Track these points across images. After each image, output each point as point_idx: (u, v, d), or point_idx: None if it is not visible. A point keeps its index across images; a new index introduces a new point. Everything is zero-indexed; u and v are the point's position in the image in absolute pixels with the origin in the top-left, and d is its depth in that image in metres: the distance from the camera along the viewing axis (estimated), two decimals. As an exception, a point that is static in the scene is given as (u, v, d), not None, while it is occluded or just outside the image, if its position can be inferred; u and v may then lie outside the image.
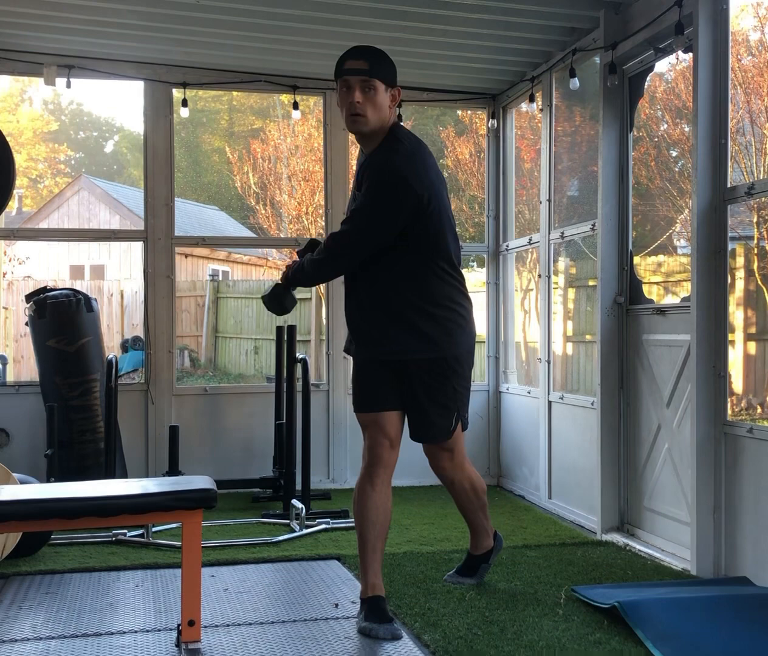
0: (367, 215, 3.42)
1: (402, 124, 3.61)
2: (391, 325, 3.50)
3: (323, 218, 6.66)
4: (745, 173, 9.93)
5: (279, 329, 6.09)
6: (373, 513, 3.49)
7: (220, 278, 19.47)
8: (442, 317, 3.51)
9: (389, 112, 3.48)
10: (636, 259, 5.50)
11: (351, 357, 3.73)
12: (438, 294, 3.51)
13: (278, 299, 3.68)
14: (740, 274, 9.67)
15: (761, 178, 9.66)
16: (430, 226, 3.45)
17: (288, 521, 5.26)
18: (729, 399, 4.34)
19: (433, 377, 3.54)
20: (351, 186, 3.89)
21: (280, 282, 3.68)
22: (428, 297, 3.49)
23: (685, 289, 8.81)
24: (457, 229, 3.66)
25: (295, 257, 3.76)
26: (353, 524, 3.66)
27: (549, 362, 5.88)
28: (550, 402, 5.85)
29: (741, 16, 10.57)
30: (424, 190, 3.40)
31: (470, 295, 3.67)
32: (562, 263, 9.38)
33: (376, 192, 3.40)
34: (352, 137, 4.16)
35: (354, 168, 4.03)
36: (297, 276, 3.62)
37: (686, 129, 10.70)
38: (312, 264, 3.56)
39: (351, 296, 3.61)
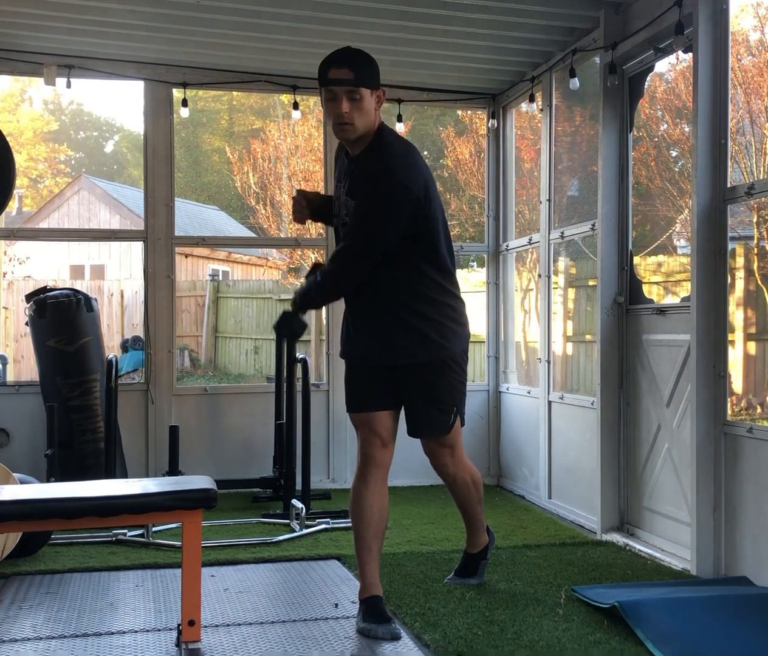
0: (372, 224, 3.38)
1: (386, 124, 3.57)
2: (384, 330, 3.50)
3: (323, 218, 6.66)
4: (745, 173, 9.93)
5: (279, 329, 6.09)
6: (368, 513, 3.48)
7: (220, 278, 19.47)
8: (436, 322, 3.50)
9: (375, 114, 3.45)
10: (636, 259, 5.50)
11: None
12: (431, 298, 3.49)
13: (287, 324, 3.69)
14: (740, 274, 9.67)
15: (761, 178, 9.66)
16: (424, 227, 3.44)
17: (288, 521, 5.26)
18: (729, 399, 4.34)
19: (429, 376, 3.54)
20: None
21: (290, 308, 3.65)
22: (422, 301, 3.48)
23: (685, 289, 8.80)
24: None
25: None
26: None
27: (549, 362, 5.88)
28: (550, 402, 5.85)
29: (741, 16, 10.58)
30: (420, 191, 3.39)
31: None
32: (562, 263, 9.38)
33: (377, 200, 3.36)
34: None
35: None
36: (305, 299, 3.57)
37: (686, 129, 10.70)
38: (319, 285, 3.51)
39: (345, 301, 3.61)
